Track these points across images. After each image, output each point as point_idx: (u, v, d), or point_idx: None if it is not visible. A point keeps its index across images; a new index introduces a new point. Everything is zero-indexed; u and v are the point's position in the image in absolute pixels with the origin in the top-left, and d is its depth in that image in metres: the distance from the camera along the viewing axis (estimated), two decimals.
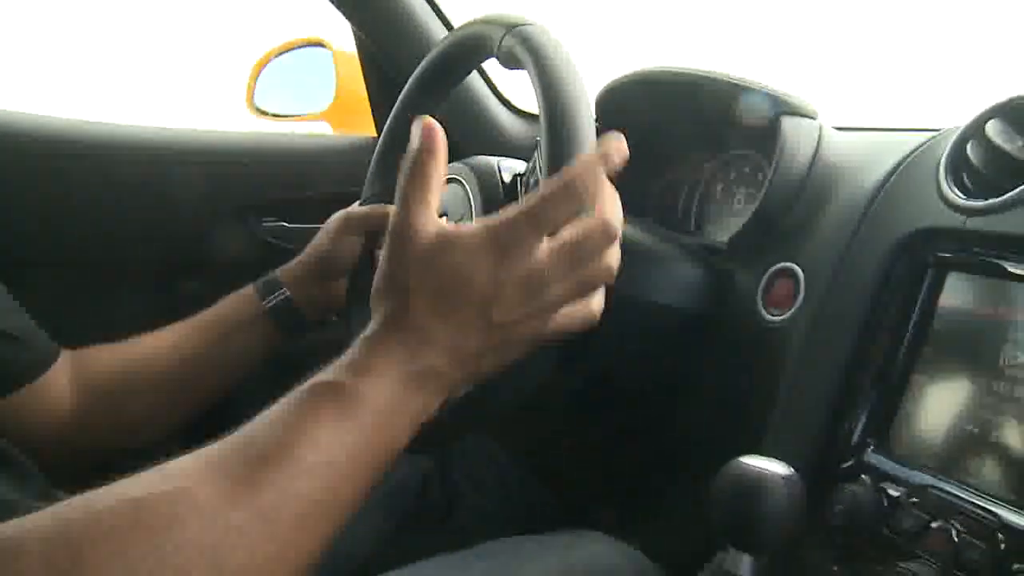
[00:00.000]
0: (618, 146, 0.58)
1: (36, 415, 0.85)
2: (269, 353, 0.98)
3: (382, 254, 0.60)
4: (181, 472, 0.49)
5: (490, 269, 0.55)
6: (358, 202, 0.97)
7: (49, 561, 0.43)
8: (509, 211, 0.56)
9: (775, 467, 0.59)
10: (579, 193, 0.56)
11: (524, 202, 0.56)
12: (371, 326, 0.57)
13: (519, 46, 0.74)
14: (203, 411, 0.96)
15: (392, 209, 0.60)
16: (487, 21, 0.81)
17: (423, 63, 0.90)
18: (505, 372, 0.65)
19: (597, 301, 0.61)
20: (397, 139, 0.94)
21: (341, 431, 0.52)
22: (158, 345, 0.95)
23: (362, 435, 0.52)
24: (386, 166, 0.95)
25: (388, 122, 0.94)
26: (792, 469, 0.59)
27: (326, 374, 0.54)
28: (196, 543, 0.45)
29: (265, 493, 0.48)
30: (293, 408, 0.52)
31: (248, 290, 0.97)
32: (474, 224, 0.57)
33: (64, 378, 0.90)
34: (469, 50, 0.85)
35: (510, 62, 0.78)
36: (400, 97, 0.92)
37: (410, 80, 0.92)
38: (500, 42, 0.77)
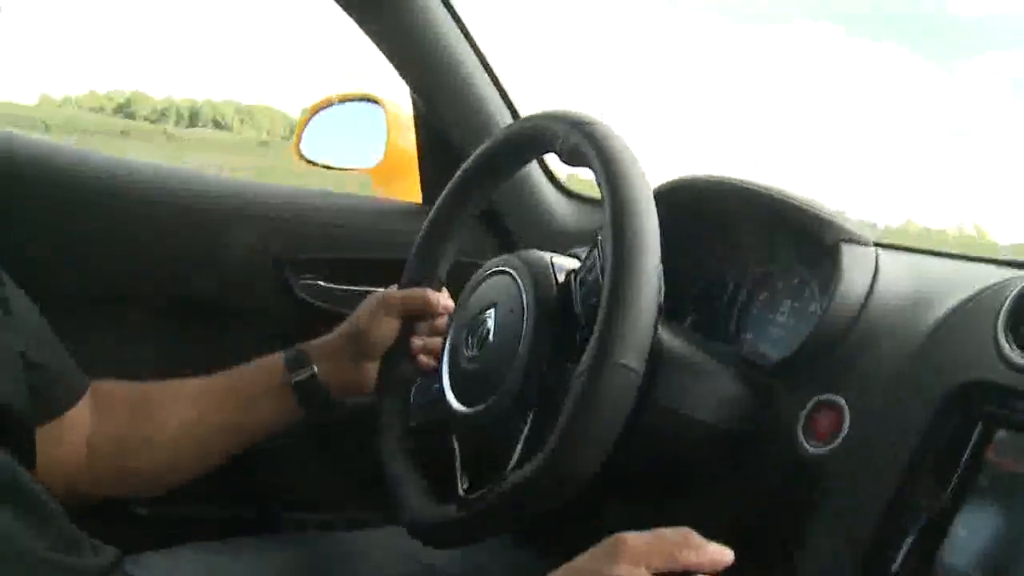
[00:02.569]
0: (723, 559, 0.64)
1: (53, 455, 0.84)
2: (289, 426, 0.96)
3: (592, 551, 0.65)
4: None
5: None
6: (396, 285, 0.96)
7: None
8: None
9: None
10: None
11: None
12: None
13: (585, 143, 0.75)
14: (212, 472, 0.95)
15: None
16: (553, 116, 0.81)
17: (481, 148, 0.90)
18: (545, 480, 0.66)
19: None
20: (444, 221, 0.93)
21: None
22: (178, 396, 0.94)
23: None
24: (429, 250, 0.94)
25: (437, 205, 0.93)
26: None
27: None
28: None
29: None
30: None
31: (276, 359, 0.95)
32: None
33: (87, 415, 0.89)
34: (531, 142, 0.86)
35: (574, 158, 0.78)
36: (453, 181, 0.92)
37: (465, 165, 0.91)
38: (565, 138, 0.78)
